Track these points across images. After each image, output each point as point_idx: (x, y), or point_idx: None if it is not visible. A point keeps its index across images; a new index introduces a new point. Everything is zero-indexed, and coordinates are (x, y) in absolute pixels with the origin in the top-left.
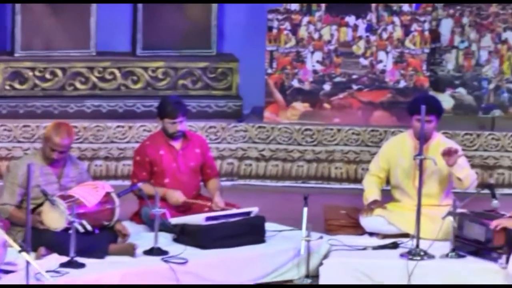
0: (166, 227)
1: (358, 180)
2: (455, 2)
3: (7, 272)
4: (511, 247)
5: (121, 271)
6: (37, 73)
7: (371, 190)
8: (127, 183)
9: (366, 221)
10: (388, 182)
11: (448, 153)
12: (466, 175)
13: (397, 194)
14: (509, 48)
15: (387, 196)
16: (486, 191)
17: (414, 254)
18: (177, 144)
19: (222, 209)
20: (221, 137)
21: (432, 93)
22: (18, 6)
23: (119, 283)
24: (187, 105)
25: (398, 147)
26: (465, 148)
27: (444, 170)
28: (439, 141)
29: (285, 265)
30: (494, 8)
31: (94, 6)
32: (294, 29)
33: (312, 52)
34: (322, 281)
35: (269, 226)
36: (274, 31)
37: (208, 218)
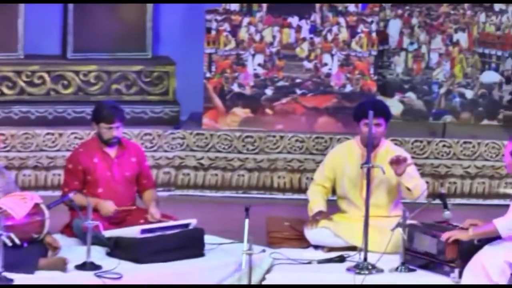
0: (99, 240)
1: (302, 190)
2: (404, 2)
3: None
4: (464, 260)
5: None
6: None
7: (316, 201)
8: (58, 193)
9: (311, 233)
10: (334, 192)
11: (397, 162)
12: (416, 185)
13: (343, 204)
14: (461, 50)
15: (333, 207)
16: (438, 201)
17: (362, 268)
18: (112, 152)
19: (158, 221)
20: (157, 145)
21: (380, 97)
22: None
23: None
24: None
25: (344, 155)
26: (414, 156)
27: (392, 179)
28: (388, 149)
29: (225, 280)
30: (444, 8)
31: (22, 7)
32: (234, 31)
33: (253, 55)
34: None
35: (208, 238)
36: (213, 32)
37: (143, 231)
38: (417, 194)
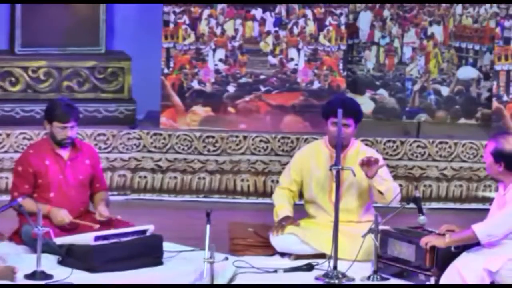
0: (50, 248)
1: (267, 193)
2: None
3: None
4: (440, 269)
5: None
6: None
7: (282, 205)
8: (6, 198)
9: (276, 240)
10: (301, 196)
11: (368, 163)
12: (388, 188)
13: (311, 209)
14: (436, 44)
15: (300, 212)
16: (412, 205)
17: (331, 276)
18: (64, 154)
19: (108, 219)
20: (112, 146)
21: (350, 95)
22: None
23: None
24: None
25: (312, 157)
26: (387, 157)
27: (363, 182)
28: (358, 149)
29: None
30: None
31: None
32: (194, 24)
33: (214, 50)
34: None
35: (167, 246)
36: (171, 25)
37: (97, 238)
38: (389, 197)
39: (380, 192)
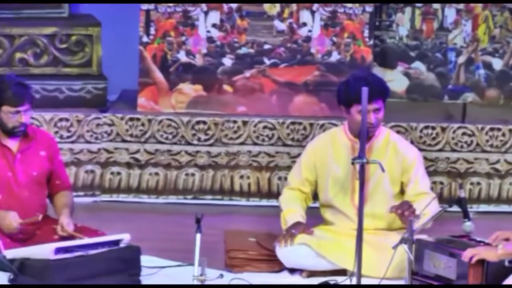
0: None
1: (272, 194)
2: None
3: None
4: None
5: None
6: None
7: (291, 209)
8: None
9: (285, 253)
10: (316, 197)
11: (401, 215)
12: (428, 219)
13: (328, 214)
14: (486, 4)
15: (315, 217)
16: (455, 208)
17: None
18: (13, 145)
19: (71, 236)
20: (77, 134)
21: (377, 69)
22: None
23: None
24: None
25: (329, 148)
26: (424, 147)
27: (395, 179)
28: (388, 139)
29: None
30: None
31: None
32: None
33: (206, 12)
34: None
35: (146, 260)
36: None
37: (58, 250)
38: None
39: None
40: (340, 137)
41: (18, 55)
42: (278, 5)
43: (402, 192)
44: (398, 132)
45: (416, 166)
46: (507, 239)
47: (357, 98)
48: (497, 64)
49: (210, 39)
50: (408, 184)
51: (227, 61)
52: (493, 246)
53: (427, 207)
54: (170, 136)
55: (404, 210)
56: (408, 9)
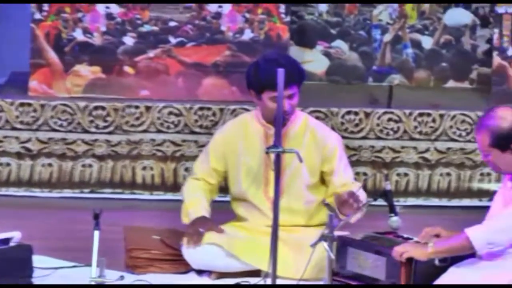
0: None
1: (178, 187)
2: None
3: None
4: None
5: None
6: None
7: (195, 202)
8: None
9: (192, 252)
10: (226, 190)
11: (346, 204)
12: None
13: (240, 209)
14: None
15: (225, 212)
16: (380, 202)
17: None
18: None
19: None
20: None
21: (295, 49)
22: None
23: None
24: None
25: (240, 136)
26: (347, 135)
27: (315, 168)
28: (306, 124)
29: None
30: None
31: None
32: None
33: None
34: None
35: (39, 260)
36: None
37: None
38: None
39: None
40: (252, 123)
41: None
42: None
43: (322, 182)
44: (317, 118)
45: (339, 154)
46: (437, 236)
47: (268, 83)
48: (427, 42)
49: (109, 16)
50: (331, 174)
51: (129, 40)
52: (422, 243)
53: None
54: (65, 123)
55: (352, 201)
56: None
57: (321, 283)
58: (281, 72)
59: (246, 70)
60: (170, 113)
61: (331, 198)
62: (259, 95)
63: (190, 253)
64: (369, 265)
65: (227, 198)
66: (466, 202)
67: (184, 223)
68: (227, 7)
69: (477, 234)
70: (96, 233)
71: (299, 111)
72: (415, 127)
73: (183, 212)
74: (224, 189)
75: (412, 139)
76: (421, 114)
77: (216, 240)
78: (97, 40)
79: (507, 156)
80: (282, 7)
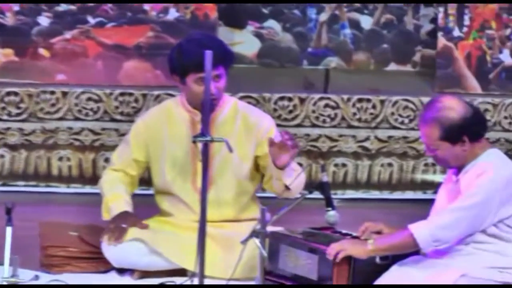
0: None
1: (98, 179)
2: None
3: None
4: None
5: None
6: None
7: (115, 195)
8: None
9: (113, 250)
10: (148, 183)
11: (281, 146)
12: (300, 183)
13: (165, 203)
14: None
15: (149, 207)
16: (317, 194)
17: None
18: None
19: None
20: None
21: (223, 29)
22: None
23: None
24: None
25: (164, 124)
26: (280, 122)
27: (246, 160)
28: (236, 110)
29: None
30: None
31: None
32: None
33: None
34: None
35: None
36: None
37: None
38: (296, 193)
39: (287, 187)
40: (177, 109)
41: None
42: None
43: (257, 169)
44: (249, 103)
45: (274, 135)
46: (378, 233)
47: (192, 65)
48: (366, 22)
49: None
50: (267, 157)
51: (44, 20)
52: (362, 240)
53: (295, 180)
54: None
55: (286, 139)
56: None
57: (253, 283)
58: (209, 54)
59: (168, 54)
60: (89, 99)
61: (269, 184)
62: (183, 79)
63: (111, 250)
64: (301, 263)
65: (150, 192)
66: (409, 194)
67: (104, 220)
68: None
69: (421, 231)
70: (9, 229)
71: (228, 96)
72: (354, 114)
73: (104, 208)
74: (147, 181)
75: (350, 126)
76: (360, 100)
77: (139, 235)
78: (9, 20)
79: (457, 148)
80: None
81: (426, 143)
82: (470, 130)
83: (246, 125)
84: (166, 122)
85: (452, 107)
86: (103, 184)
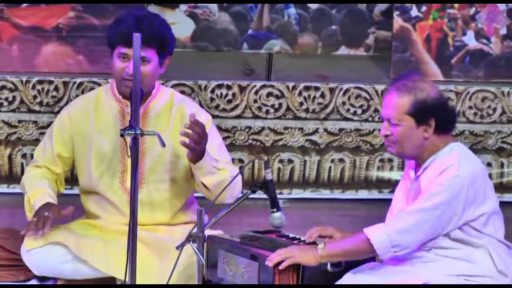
0: None
1: (14, 178)
2: None
3: None
4: None
5: None
6: None
7: (38, 191)
8: None
9: (33, 256)
10: (70, 182)
11: (193, 132)
12: (220, 181)
13: (92, 204)
14: None
15: (75, 209)
16: (260, 194)
17: None
18: None
19: None
20: None
21: (153, 9)
22: None
23: None
24: None
25: (90, 115)
26: (217, 113)
27: (183, 157)
28: (171, 101)
29: None
30: None
31: None
32: None
33: None
34: None
35: None
36: None
37: None
38: (216, 192)
39: (205, 186)
40: (106, 99)
41: None
42: None
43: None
44: (182, 93)
45: (212, 131)
46: (329, 237)
47: (120, 37)
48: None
49: None
50: None
51: None
52: (310, 246)
53: (233, 180)
54: None
55: (195, 123)
56: None
57: None
58: (137, 36)
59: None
60: (3, 87)
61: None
62: (112, 54)
63: (31, 257)
64: (241, 271)
65: (75, 191)
66: (363, 194)
67: (28, 220)
68: None
69: (379, 235)
70: None
71: (164, 86)
72: (301, 104)
73: (26, 207)
74: (71, 180)
75: (297, 118)
76: (307, 88)
77: (61, 239)
78: None
79: (419, 132)
80: None
81: (389, 115)
82: (440, 116)
83: (182, 118)
84: (93, 112)
85: (430, 84)
86: (24, 182)
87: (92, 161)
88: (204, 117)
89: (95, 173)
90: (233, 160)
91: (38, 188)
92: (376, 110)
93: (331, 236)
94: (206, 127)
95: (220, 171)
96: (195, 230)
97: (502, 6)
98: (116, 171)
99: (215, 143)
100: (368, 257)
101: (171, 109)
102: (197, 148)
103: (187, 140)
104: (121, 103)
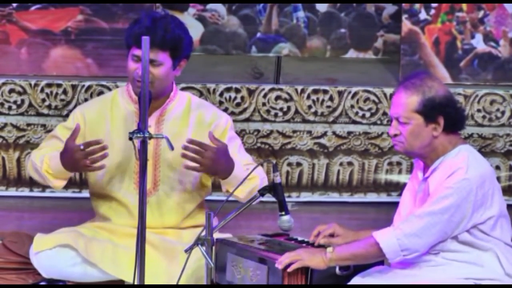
0: None
1: (23, 181)
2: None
3: None
4: None
5: None
6: None
7: (50, 155)
8: None
9: (42, 259)
10: (78, 185)
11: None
12: (251, 189)
13: (103, 206)
14: None
15: (80, 212)
16: (268, 197)
17: None
18: None
19: None
20: None
21: (163, 12)
22: None
23: None
24: None
25: (106, 115)
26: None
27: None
28: (189, 105)
29: None
30: None
31: None
32: None
33: None
34: None
35: None
36: None
37: None
38: (246, 198)
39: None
40: (122, 100)
41: None
42: None
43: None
44: (195, 94)
45: (231, 134)
46: (331, 236)
47: (133, 37)
48: (322, 4)
49: None
50: None
51: None
52: (319, 249)
53: (253, 171)
54: None
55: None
56: None
57: None
58: (145, 39)
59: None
60: (11, 90)
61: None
62: (127, 55)
63: (41, 260)
64: (250, 274)
65: (83, 195)
66: (372, 197)
67: (56, 185)
68: None
69: (388, 239)
70: None
71: (181, 91)
72: (309, 107)
73: (44, 166)
74: (78, 183)
75: (305, 121)
76: (315, 91)
77: (70, 241)
78: None
79: (428, 130)
80: None
81: (397, 114)
82: (449, 114)
83: (201, 122)
84: (109, 113)
85: (439, 82)
86: (33, 161)
87: (107, 161)
88: (224, 119)
89: (109, 173)
90: None
91: (47, 156)
92: (384, 113)
93: (334, 233)
94: (226, 131)
95: (250, 180)
96: (203, 233)
97: (510, 9)
98: (132, 172)
99: (235, 145)
100: (377, 261)
101: (189, 115)
102: (201, 170)
103: (189, 163)
104: (136, 105)
